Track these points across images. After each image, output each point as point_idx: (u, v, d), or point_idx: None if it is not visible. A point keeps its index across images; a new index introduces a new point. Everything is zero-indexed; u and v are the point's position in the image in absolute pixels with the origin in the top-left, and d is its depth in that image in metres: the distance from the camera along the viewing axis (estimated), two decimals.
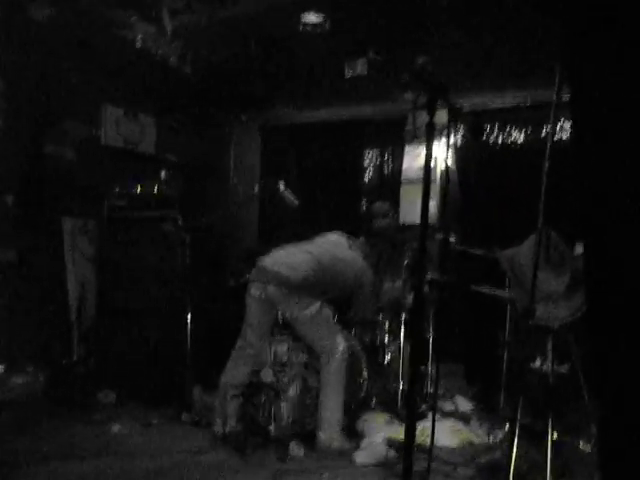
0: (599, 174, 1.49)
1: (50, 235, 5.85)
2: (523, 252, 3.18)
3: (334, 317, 4.77)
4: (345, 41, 5.29)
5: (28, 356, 5.42)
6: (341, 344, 4.55)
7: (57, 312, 5.86)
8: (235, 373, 4.65)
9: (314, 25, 4.91)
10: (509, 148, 6.28)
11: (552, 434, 2.98)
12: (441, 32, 4.99)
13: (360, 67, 5.42)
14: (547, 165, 2.71)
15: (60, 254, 5.96)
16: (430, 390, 5.32)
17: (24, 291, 5.41)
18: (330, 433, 4.39)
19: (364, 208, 7.34)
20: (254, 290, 4.61)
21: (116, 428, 4.72)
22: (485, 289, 5.02)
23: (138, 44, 5.60)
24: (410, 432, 2.00)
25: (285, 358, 4.66)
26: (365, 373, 5.02)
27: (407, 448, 1.97)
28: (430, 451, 2.55)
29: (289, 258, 4.65)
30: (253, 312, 4.64)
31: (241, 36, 5.46)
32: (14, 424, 4.58)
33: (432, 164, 2.21)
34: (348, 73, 5.49)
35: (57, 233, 5.93)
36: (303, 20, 4.89)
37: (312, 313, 4.51)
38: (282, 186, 5.24)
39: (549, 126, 6.08)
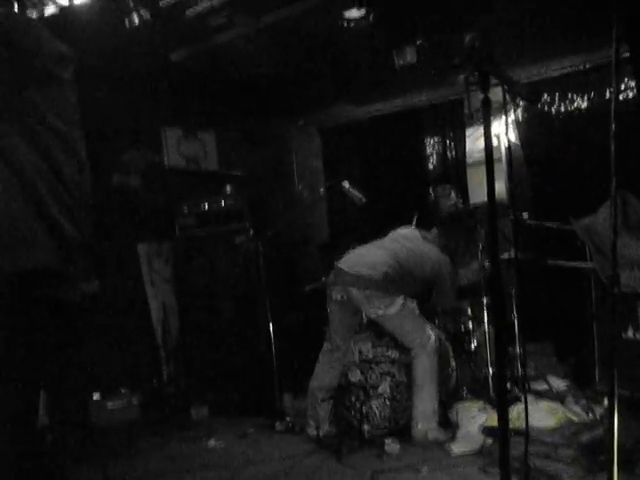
0: None
1: (127, 262, 5.98)
2: (599, 219, 3.06)
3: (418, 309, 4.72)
4: (391, 31, 5.23)
5: (121, 381, 5.55)
6: (431, 335, 4.51)
7: (143, 335, 6.00)
8: (324, 377, 4.66)
9: (358, 20, 4.88)
10: (573, 115, 6.08)
11: None
12: (487, 4, 4.87)
13: (409, 55, 5.37)
14: (614, 127, 2.60)
15: (139, 279, 6.10)
16: (520, 372, 5.20)
17: (110, 319, 5.54)
18: (426, 425, 4.35)
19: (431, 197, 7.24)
20: (335, 294, 4.60)
21: (212, 442, 4.80)
22: (564, 262, 4.87)
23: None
24: (503, 418, 1.95)
25: (371, 355, 4.64)
26: (453, 362, 4.95)
27: (502, 434, 1.92)
28: (526, 435, 2.48)
29: (365, 257, 4.62)
30: (336, 315, 4.64)
31: (287, 40, 5.46)
32: (114, 447, 4.70)
33: (495, 142, 2.13)
34: (398, 63, 5.44)
35: (134, 259, 6.06)
36: (346, 16, 4.86)
37: (397, 309, 4.47)
38: (347, 185, 5.22)
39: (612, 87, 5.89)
